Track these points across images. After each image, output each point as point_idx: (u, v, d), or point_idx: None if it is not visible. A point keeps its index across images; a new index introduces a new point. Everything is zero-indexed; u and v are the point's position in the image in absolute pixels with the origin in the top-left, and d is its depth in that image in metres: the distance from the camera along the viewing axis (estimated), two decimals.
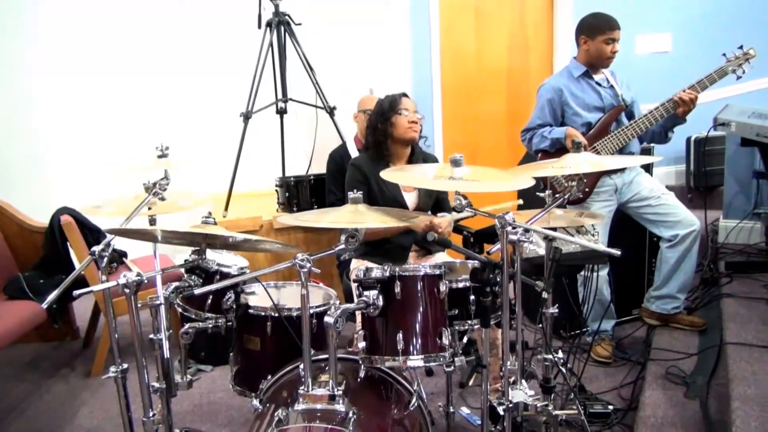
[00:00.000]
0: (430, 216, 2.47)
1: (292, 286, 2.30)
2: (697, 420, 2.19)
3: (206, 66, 4.44)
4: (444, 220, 2.43)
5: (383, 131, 2.57)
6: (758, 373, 2.14)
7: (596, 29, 2.81)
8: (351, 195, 1.75)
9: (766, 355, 2.27)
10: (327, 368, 1.63)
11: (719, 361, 2.47)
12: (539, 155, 2.94)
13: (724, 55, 2.73)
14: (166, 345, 1.84)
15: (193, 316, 2.04)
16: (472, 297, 1.73)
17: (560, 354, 1.93)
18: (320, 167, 3.55)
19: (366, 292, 1.67)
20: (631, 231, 3.10)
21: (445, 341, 1.68)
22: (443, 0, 4.66)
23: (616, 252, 1.57)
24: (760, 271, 3.16)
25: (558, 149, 2.82)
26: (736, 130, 3.19)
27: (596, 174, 2.81)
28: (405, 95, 2.62)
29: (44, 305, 1.82)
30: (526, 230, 1.57)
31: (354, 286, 2.01)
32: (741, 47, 2.71)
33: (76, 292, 1.66)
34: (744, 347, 2.36)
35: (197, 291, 1.82)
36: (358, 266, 2.46)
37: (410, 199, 2.62)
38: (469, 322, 1.75)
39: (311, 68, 3.77)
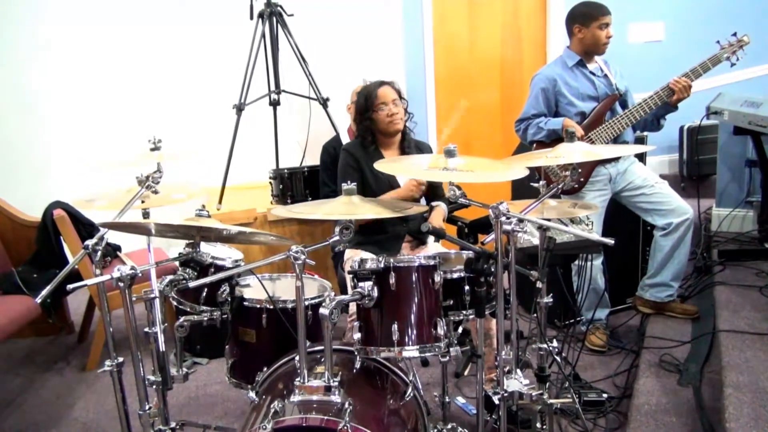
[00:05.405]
0: (414, 179, 2.49)
1: (287, 278, 2.30)
2: (690, 407, 2.20)
3: (198, 58, 4.40)
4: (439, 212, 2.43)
5: (367, 127, 2.58)
6: (750, 360, 2.16)
7: (589, 16, 2.81)
8: (345, 186, 1.74)
9: (758, 343, 2.29)
10: (322, 360, 1.63)
11: (712, 348, 2.49)
12: (534, 146, 2.93)
13: (718, 42, 2.73)
14: (161, 338, 1.84)
15: (188, 309, 2.04)
16: (467, 287, 1.74)
17: (555, 343, 1.93)
18: (314, 159, 3.54)
19: (361, 284, 1.68)
20: (625, 220, 3.11)
21: (440, 331, 1.69)
22: None
23: (610, 241, 1.57)
24: (753, 258, 3.18)
25: (554, 140, 2.82)
26: (728, 118, 3.19)
27: (591, 164, 2.81)
28: (382, 84, 2.57)
29: (38, 300, 1.81)
30: (520, 220, 1.57)
31: (349, 277, 2.01)
32: (735, 34, 2.71)
33: (70, 286, 1.65)
34: (737, 335, 2.37)
35: (192, 284, 1.81)
36: (352, 257, 2.46)
37: (404, 181, 2.61)
38: (464, 312, 1.75)
39: (304, 59, 3.75)
